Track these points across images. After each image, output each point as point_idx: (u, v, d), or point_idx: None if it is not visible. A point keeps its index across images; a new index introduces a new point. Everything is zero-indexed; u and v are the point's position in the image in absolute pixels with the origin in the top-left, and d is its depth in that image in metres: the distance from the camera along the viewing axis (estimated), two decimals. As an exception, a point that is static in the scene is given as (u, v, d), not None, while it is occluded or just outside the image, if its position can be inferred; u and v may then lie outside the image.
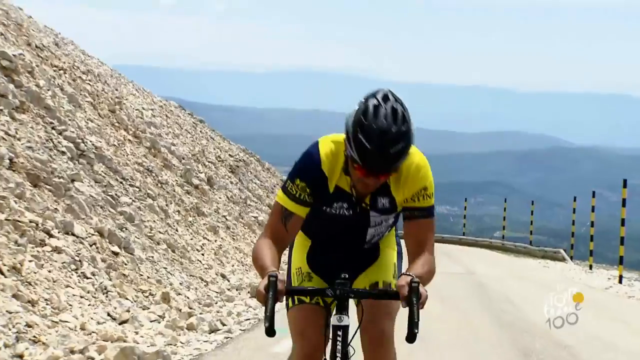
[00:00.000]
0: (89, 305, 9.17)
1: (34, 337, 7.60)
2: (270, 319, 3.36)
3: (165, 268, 13.12)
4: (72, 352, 7.57)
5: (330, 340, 3.58)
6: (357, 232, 3.92)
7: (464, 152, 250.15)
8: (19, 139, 12.20)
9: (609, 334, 11.53)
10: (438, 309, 13.53)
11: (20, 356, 7.10)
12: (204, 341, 9.19)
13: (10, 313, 7.72)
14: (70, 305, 8.81)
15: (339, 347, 3.51)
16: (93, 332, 8.43)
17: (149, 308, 10.40)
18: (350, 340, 3.63)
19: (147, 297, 10.84)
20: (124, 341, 8.30)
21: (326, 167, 3.71)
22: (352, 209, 3.80)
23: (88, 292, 9.57)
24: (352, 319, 3.69)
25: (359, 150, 3.47)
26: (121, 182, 15.84)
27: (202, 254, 17.12)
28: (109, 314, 9.41)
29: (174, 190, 19.79)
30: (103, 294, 9.90)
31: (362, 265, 4.03)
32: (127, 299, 10.27)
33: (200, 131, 33.02)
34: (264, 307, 3.38)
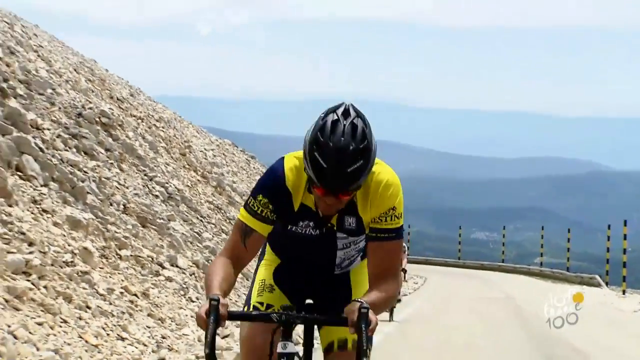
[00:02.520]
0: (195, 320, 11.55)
1: (169, 345, 9.96)
2: (210, 345, 3.16)
3: (245, 293, 15.47)
4: (197, 357, 9.91)
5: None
6: (325, 254, 3.77)
7: (502, 178, 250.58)
8: (126, 187, 14.67)
9: (626, 346, 13.63)
10: (479, 329, 15.73)
11: (163, 359, 9.44)
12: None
13: (149, 328, 10.09)
14: (186, 322, 11.18)
15: None
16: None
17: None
18: None
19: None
20: (230, 349, 10.63)
21: (290, 183, 3.54)
22: (319, 229, 3.63)
23: (196, 313, 11.95)
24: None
25: (315, 169, 3.31)
26: (201, 220, 18.26)
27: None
28: (213, 330, 11.77)
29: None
30: (206, 314, 12.29)
31: (330, 294, 3.84)
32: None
33: (253, 167, 35.52)
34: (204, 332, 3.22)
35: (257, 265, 4.02)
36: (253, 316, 3.63)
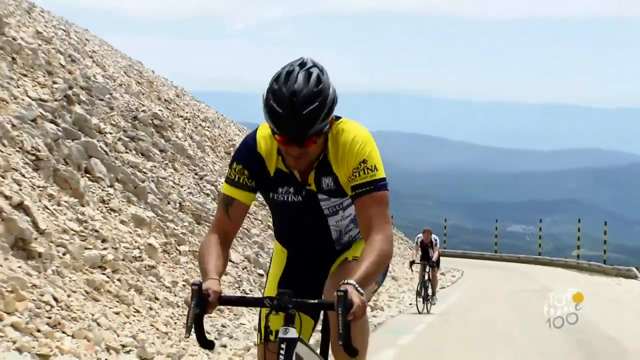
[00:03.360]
0: (253, 313, 12.41)
1: (228, 334, 10.84)
2: (192, 329, 3.20)
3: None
4: (255, 345, 10.79)
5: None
6: (318, 225, 3.73)
7: (540, 170, 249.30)
8: (181, 186, 15.59)
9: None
10: (516, 320, 16.45)
11: (224, 346, 10.31)
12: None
13: (210, 317, 10.97)
14: (242, 312, 12.05)
15: None
16: (262, 332, 11.68)
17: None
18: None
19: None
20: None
21: (262, 148, 3.58)
22: (299, 193, 3.63)
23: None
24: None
25: (272, 116, 3.32)
26: (248, 216, 19.14)
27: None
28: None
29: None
30: (258, 305, 13.17)
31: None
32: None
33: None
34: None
35: (270, 260, 4.09)
36: (246, 301, 3.68)
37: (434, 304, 18.56)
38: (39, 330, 7.62)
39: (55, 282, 8.70)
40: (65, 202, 10.54)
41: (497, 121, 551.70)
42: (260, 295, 3.68)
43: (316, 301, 3.44)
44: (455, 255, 49.34)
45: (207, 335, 3.32)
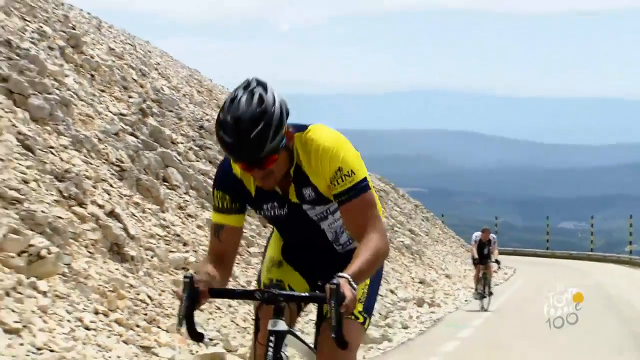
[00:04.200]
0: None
1: (300, 329, 11.64)
2: (186, 321, 3.24)
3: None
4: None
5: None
6: (312, 232, 3.69)
7: (590, 166, 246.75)
8: (247, 191, 16.45)
9: None
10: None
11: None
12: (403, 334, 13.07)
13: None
14: (311, 309, 12.85)
15: (269, 353, 3.29)
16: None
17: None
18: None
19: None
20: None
21: (237, 171, 3.54)
22: (283, 207, 3.60)
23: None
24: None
25: (223, 145, 3.31)
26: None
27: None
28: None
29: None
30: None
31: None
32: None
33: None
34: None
35: (267, 241, 4.05)
36: (236, 293, 3.69)
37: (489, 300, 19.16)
38: (137, 326, 8.49)
39: (146, 283, 9.58)
40: (149, 209, 11.43)
41: (545, 117, 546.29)
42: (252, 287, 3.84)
43: (307, 294, 3.48)
44: (506, 253, 49.65)
45: (197, 327, 3.35)
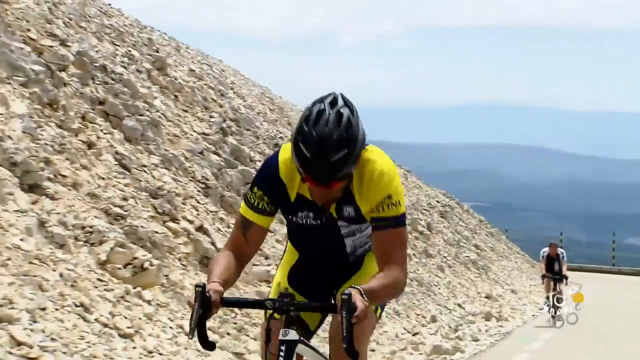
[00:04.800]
0: (394, 322, 13.71)
1: (374, 340, 12.16)
2: (195, 331, 3.18)
3: (422, 299, 17.53)
4: (399, 349, 12.07)
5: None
6: (332, 242, 3.71)
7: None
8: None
9: None
10: (638, 327, 17.21)
11: (373, 350, 11.62)
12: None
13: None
14: (384, 322, 13.36)
15: None
16: (403, 339, 12.94)
17: (426, 325, 14.85)
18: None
19: (420, 319, 15.30)
20: (423, 344, 12.72)
21: (284, 174, 3.50)
22: (319, 218, 3.59)
23: (388, 314, 14.12)
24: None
25: (299, 159, 3.27)
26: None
27: (439, 288, 21.43)
28: (404, 328, 13.92)
29: (408, 238, 24.35)
30: (396, 314, 14.44)
31: (347, 280, 3.80)
32: (409, 320, 14.77)
33: (410, 180, 37.50)
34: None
35: (281, 257, 4.02)
36: (247, 303, 3.64)
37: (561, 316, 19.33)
38: (228, 333, 9.12)
39: (234, 294, 10.22)
40: (233, 224, 12.10)
41: (609, 131, 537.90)
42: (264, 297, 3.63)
43: (318, 304, 3.49)
44: (571, 269, 49.33)
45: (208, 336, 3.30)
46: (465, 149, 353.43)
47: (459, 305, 20.22)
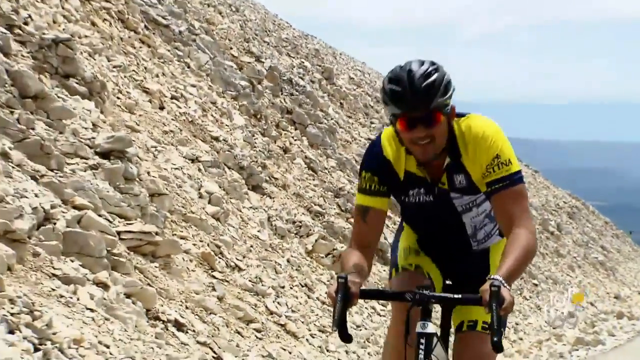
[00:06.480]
0: (537, 315, 15.07)
1: (522, 330, 13.56)
2: (339, 322, 3.12)
3: (558, 297, 18.76)
4: (542, 341, 13.42)
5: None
6: (452, 223, 3.62)
7: None
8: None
9: None
10: None
11: (521, 338, 13.03)
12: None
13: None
14: (529, 315, 14.73)
15: (421, 356, 3.22)
16: (546, 330, 14.28)
17: (564, 320, 16.13)
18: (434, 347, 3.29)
19: (559, 314, 16.59)
20: (564, 335, 14.03)
21: (388, 153, 3.49)
22: (431, 193, 3.52)
23: (531, 309, 15.48)
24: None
25: (392, 97, 3.28)
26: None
27: (571, 287, 22.55)
28: (545, 322, 15.25)
29: (540, 237, 25.43)
30: (537, 308, 15.79)
31: (469, 271, 3.67)
32: (550, 315, 16.08)
33: (539, 181, 38.32)
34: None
35: (397, 238, 3.88)
36: (387, 295, 3.61)
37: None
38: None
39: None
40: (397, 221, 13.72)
41: None
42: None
43: (461, 296, 3.31)
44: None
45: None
46: (585, 146, 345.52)
47: (591, 304, 21.30)
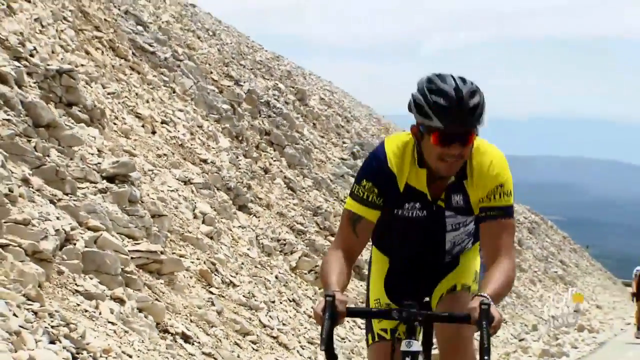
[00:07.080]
0: (503, 329, 15.72)
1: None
2: (326, 342, 3.05)
3: (522, 310, 19.50)
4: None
5: None
6: (434, 239, 3.62)
7: None
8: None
9: None
10: None
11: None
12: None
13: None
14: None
15: None
16: (512, 343, 14.95)
17: (529, 333, 16.82)
18: None
19: (523, 327, 17.29)
20: (530, 347, 14.71)
21: (393, 164, 3.42)
22: (426, 209, 3.50)
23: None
24: None
25: (435, 111, 3.24)
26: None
27: (533, 300, 23.34)
28: (511, 334, 15.92)
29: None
30: (503, 322, 16.53)
31: (440, 279, 3.72)
32: (515, 328, 16.77)
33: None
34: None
35: (368, 275, 3.87)
36: (373, 313, 3.59)
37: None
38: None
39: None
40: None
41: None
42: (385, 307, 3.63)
43: (449, 314, 3.37)
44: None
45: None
46: (543, 161, 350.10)
47: (553, 317, 22.08)
